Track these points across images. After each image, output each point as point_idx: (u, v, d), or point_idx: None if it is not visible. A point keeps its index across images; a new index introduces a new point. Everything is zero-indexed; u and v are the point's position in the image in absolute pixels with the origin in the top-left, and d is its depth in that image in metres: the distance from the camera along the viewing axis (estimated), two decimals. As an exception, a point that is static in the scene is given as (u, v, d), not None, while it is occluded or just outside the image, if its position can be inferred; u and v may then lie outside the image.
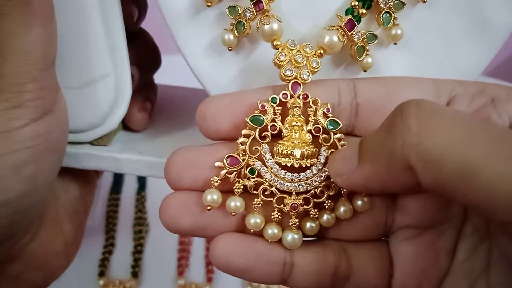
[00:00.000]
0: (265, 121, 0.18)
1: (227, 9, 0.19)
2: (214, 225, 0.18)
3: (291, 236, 0.18)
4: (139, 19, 0.25)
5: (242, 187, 0.18)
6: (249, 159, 0.18)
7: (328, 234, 0.19)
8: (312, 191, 0.18)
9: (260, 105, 0.18)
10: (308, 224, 0.19)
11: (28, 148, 0.19)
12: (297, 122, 0.18)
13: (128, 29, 0.22)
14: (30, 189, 0.20)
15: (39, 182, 0.20)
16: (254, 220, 0.18)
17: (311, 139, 0.18)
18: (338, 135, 0.18)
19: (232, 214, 0.18)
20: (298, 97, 0.18)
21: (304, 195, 0.18)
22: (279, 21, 0.18)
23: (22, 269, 0.22)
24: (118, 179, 0.44)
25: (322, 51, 0.18)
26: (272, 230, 0.18)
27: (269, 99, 0.18)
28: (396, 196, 0.19)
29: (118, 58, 0.21)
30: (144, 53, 0.25)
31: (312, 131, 0.18)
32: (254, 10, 0.18)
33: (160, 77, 0.29)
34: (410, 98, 0.15)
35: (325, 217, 0.19)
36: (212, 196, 0.18)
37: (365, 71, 0.19)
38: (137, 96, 0.24)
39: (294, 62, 0.18)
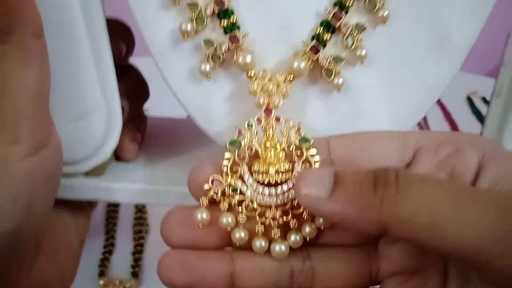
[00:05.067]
0: (242, 144, 0.22)
1: (203, 42, 0.23)
2: (206, 279, 0.22)
3: (278, 247, 0.22)
4: (127, 54, 0.29)
5: (227, 205, 0.22)
6: (231, 179, 0.22)
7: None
8: (289, 203, 0.22)
9: (237, 130, 0.22)
10: (292, 237, 0.22)
11: (24, 181, 0.23)
12: (271, 143, 0.22)
13: (117, 64, 0.26)
14: (26, 220, 0.23)
15: (35, 213, 0.24)
16: (239, 234, 0.22)
17: (284, 157, 0.22)
18: (311, 151, 0.22)
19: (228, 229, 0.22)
20: (271, 120, 0.22)
21: (282, 208, 0.22)
22: (252, 52, 0.22)
23: None
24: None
25: (292, 77, 0.22)
26: (260, 243, 0.22)
27: (245, 124, 0.22)
28: (378, 245, 0.22)
29: (108, 91, 0.26)
30: (133, 86, 0.29)
31: (285, 148, 0.22)
32: (229, 44, 0.22)
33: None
34: (379, 153, 0.20)
35: (307, 228, 0.22)
36: (202, 214, 0.22)
37: (338, 90, 0.23)
38: (127, 127, 0.28)
39: (266, 90, 0.22)
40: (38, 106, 0.23)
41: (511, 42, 0.25)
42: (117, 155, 0.29)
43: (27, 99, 0.22)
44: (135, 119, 0.30)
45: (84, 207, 0.31)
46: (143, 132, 0.31)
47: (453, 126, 0.67)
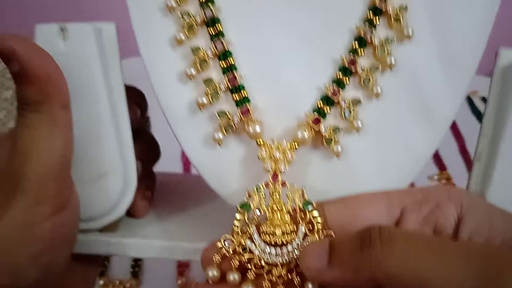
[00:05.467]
0: (252, 206, 0.25)
1: (217, 114, 0.25)
2: None
3: None
4: (141, 118, 0.32)
5: (237, 262, 0.24)
6: (241, 239, 0.24)
7: None
8: (294, 262, 0.24)
9: (247, 193, 0.25)
10: None
11: (46, 240, 0.25)
12: (277, 206, 0.25)
13: (132, 127, 0.29)
14: (45, 276, 0.25)
15: (54, 270, 0.26)
16: None
17: (289, 219, 0.25)
18: (314, 213, 0.25)
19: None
20: (277, 185, 0.25)
21: (287, 266, 0.24)
22: (261, 123, 0.25)
23: None
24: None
25: (296, 145, 0.25)
26: None
27: (255, 188, 0.25)
28: None
29: (126, 154, 0.28)
30: (145, 148, 0.31)
31: (290, 212, 0.25)
32: (240, 116, 0.25)
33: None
34: (370, 215, 0.23)
35: (310, 286, 0.24)
36: (213, 272, 0.24)
37: (337, 156, 0.26)
38: (139, 186, 0.30)
39: (273, 157, 0.24)
40: (62, 170, 0.25)
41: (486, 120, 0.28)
42: (129, 212, 0.31)
43: (53, 164, 0.24)
44: (146, 178, 0.32)
45: (93, 258, 0.32)
46: (153, 190, 0.33)
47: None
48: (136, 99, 0.31)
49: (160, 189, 0.35)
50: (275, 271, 0.24)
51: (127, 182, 0.28)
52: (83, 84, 0.26)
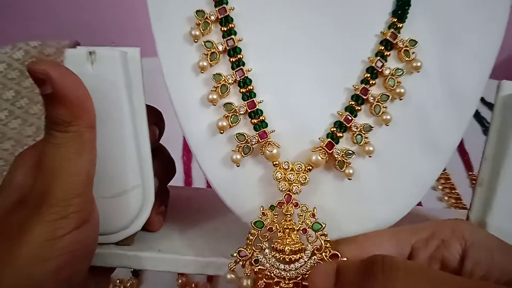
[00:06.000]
0: (265, 223, 0.26)
1: (235, 136, 0.27)
2: None
3: None
4: (159, 137, 0.33)
5: (250, 270, 0.27)
6: (254, 252, 0.27)
7: None
8: (301, 277, 0.26)
9: (261, 211, 0.27)
10: None
11: (67, 254, 0.26)
12: (289, 225, 0.26)
13: (151, 146, 0.30)
14: None
15: (73, 283, 0.27)
16: None
17: (299, 238, 0.27)
18: (322, 233, 0.27)
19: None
20: (290, 205, 0.27)
21: (294, 280, 0.26)
22: (278, 146, 0.26)
23: None
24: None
25: (310, 167, 0.27)
26: None
27: (269, 206, 0.27)
28: None
29: (145, 171, 0.30)
30: (162, 166, 0.33)
31: (301, 231, 0.27)
32: (258, 139, 0.27)
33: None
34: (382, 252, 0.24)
35: None
36: (231, 275, 0.27)
37: (349, 179, 0.28)
38: (155, 201, 0.32)
39: (288, 179, 0.26)
40: (86, 186, 0.27)
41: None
42: (144, 226, 0.33)
43: (78, 181, 0.26)
44: (161, 194, 0.33)
45: (105, 270, 0.34)
46: (167, 205, 0.35)
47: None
48: (154, 119, 0.32)
49: (172, 203, 0.36)
50: (283, 283, 0.26)
51: (146, 198, 0.30)
52: (109, 105, 0.28)
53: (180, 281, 0.40)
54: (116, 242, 0.31)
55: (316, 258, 0.27)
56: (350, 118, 0.27)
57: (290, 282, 0.26)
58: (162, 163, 0.33)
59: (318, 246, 0.27)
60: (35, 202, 0.26)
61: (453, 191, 0.66)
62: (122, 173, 0.29)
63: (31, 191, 0.26)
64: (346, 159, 0.27)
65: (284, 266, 0.26)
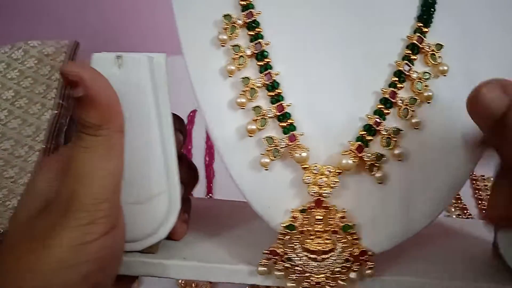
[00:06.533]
0: (295, 224, 0.27)
1: (264, 140, 0.27)
2: None
3: None
4: (183, 144, 0.33)
5: (282, 266, 0.28)
6: (286, 251, 0.28)
7: None
8: (331, 273, 0.27)
9: (292, 214, 0.27)
10: None
11: (96, 260, 0.26)
12: (319, 228, 0.27)
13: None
14: None
15: None
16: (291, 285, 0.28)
17: (330, 240, 0.27)
18: (352, 233, 0.27)
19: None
20: (320, 208, 0.27)
21: (324, 275, 0.27)
22: (307, 150, 0.27)
23: None
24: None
25: (340, 171, 0.27)
26: None
27: (299, 209, 0.27)
28: None
29: (171, 177, 0.29)
30: (186, 173, 0.33)
31: (331, 232, 0.27)
32: (288, 142, 0.27)
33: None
34: None
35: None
36: (263, 267, 0.28)
37: (379, 182, 0.28)
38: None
39: (317, 183, 0.26)
40: (114, 191, 0.26)
41: None
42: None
43: (107, 186, 0.26)
44: (184, 202, 0.33)
45: (127, 278, 0.33)
46: (189, 213, 0.34)
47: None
48: (178, 125, 0.32)
49: (195, 212, 0.36)
50: (313, 278, 0.27)
51: (172, 204, 0.30)
52: (136, 109, 0.28)
53: (180, 280, 0.40)
54: (141, 250, 0.31)
55: (345, 255, 0.27)
56: (379, 121, 0.27)
57: (321, 275, 0.27)
58: (186, 170, 0.33)
59: (347, 245, 0.27)
60: (62, 207, 0.25)
61: (459, 201, 0.66)
62: (149, 178, 0.29)
63: (58, 196, 0.26)
64: (376, 163, 0.27)
65: (315, 263, 0.27)
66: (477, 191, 0.64)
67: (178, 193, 0.30)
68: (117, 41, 0.78)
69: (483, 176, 0.65)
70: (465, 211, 0.62)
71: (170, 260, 0.31)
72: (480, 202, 0.63)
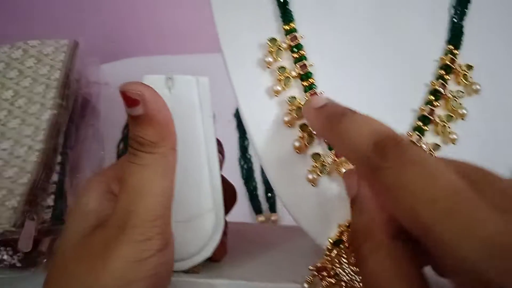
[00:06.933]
0: (343, 240, 0.28)
1: (311, 157, 0.28)
2: None
3: None
4: (222, 164, 0.34)
5: (329, 282, 0.27)
6: (333, 267, 0.27)
7: None
8: None
9: (339, 231, 0.28)
10: None
11: (152, 276, 0.26)
12: None
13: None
14: None
15: None
16: None
17: None
18: None
19: None
20: None
21: None
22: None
23: None
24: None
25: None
26: None
27: (346, 224, 0.28)
28: None
29: (216, 196, 0.30)
30: (225, 193, 0.33)
31: None
32: (336, 158, 0.28)
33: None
34: None
35: None
36: (308, 284, 0.28)
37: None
38: (219, 228, 0.32)
39: None
40: (167, 208, 0.27)
41: None
42: (207, 255, 0.33)
43: (161, 202, 0.26)
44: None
45: None
46: (227, 234, 0.35)
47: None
48: (218, 147, 0.33)
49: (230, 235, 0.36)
50: None
51: (217, 224, 0.30)
52: (186, 129, 0.29)
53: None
54: (186, 269, 0.31)
55: None
56: (419, 137, 0.29)
57: None
58: (225, 191, 0.33)
59: None
60: (119, 223, 0.26)
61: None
62: (196, 196, 0.30)
63: (114, 213, 0.26)
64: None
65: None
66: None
67: (222, 212, 0.31)
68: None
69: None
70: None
71: (216, 280, 0.31)
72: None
